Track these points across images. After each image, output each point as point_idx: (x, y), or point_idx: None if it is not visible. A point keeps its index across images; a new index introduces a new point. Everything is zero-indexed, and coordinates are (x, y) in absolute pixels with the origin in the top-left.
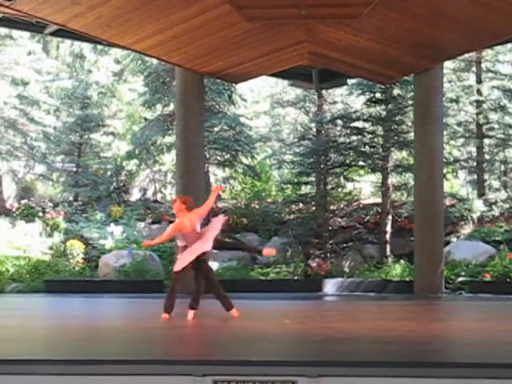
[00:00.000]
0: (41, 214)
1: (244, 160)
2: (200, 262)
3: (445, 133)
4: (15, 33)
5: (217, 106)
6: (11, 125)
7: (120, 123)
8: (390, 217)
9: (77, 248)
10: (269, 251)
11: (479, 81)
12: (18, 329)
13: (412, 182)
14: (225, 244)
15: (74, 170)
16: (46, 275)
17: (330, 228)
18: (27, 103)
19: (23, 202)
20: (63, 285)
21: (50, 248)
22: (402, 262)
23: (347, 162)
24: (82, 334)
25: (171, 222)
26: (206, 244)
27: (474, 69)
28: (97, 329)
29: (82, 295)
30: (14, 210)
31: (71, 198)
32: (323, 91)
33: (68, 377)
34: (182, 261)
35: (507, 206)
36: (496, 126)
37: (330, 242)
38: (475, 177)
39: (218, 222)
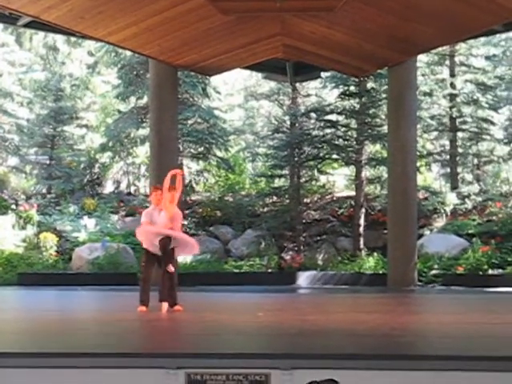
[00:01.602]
0: (14, 206)
1: (218, 153)
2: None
3: (418, 126)
4: None
5: (191, 99)
6: None
7: (93, 115)
8: (363, 210)
9: (50, 241)
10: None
11: (452, 74)
12: None
13: (385, 175)
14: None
15: (48, 162)
16: (19, 268)
17: (304, 221)
18: (0, 95)
19: None
20: (36, 278)
21: (23, 241)
22: (375, 254)
23: (321, 155)
24: (54, 326)
25: None
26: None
27: (447, 62)
28: (70, 322)
29: (56, 288)
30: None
31: (44, 191)
32: (297, 84)
33: (39, 369)
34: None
35: (480, 199)
36: (469, 120)
37: (304, 234)
38: (448, 170)
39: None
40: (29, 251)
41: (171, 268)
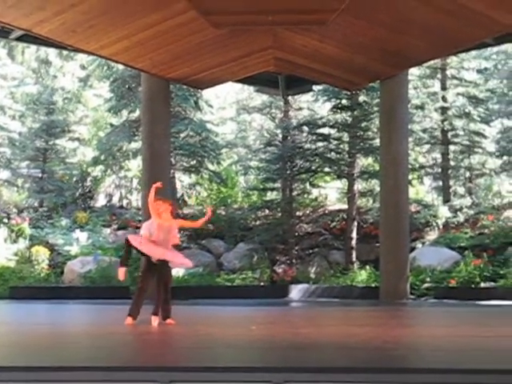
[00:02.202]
0: (5, 220)
1: (210, 166)
2: (164, 265)
3: (410, 139)
4: None
5: (183, 112)
6: None
7: (86, 129)
8: (355, 223)
9: (42, 254)
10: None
11: (444, 88)
12: None
13: (378, 189)
14: None
15: (40, 175)
16: (11, 281)
17: (296, 234)
18: None
19: None
20: (28, 291)
21: (15, 254)
22: (367, 268)
23: (313, 168)
24: (45, 340)
25: (138, 227)
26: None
27: (439, 75)
28: (61, 335)
29: (47, 301)
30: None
31: (36, 204)
32: (289, 97)
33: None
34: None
35: (472, 212)
36: (461, 133)
37: (296, 248)
38: (440, 183)
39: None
40: (21, 265)
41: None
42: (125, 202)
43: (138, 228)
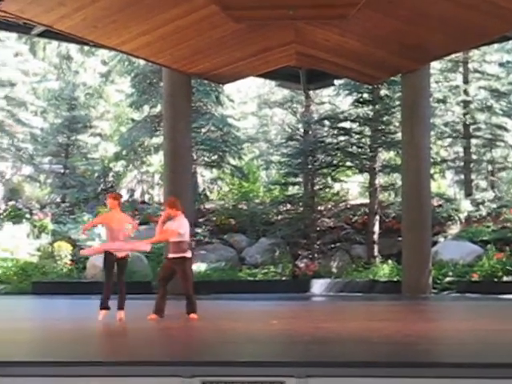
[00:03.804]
0: (28, 215)
1: (231, 161)
2: (179, 263)
3: (432, 133)
4: (2, 34)
5: (204, 107)
6: None
7: (107, 124)
8: (377, 217)
9: (64, 249)
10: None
11: (466, 81)
12: (4, 331)
13: (399, 183)
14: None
15: (62, 171)
16: (34, 277)
17: (318, 228)
18: (14, 104)
19: (10, 203)
20: (51, 286)
21: (38, 249)
22: (389, 262)
23: (335, 162)
24: (69, 335)
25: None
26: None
27: (460, 69)
28: (84, 330)
29: (70, 297)
30: (1, 211)
31: (59, 200)
32: (310, 92)
33: (55, 378)
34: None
35: (494, 205)
36: (483, 126)
37: (318, 242)
38: (462, 177)
39: None
40: (43, 260)
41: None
42: (147, 197)
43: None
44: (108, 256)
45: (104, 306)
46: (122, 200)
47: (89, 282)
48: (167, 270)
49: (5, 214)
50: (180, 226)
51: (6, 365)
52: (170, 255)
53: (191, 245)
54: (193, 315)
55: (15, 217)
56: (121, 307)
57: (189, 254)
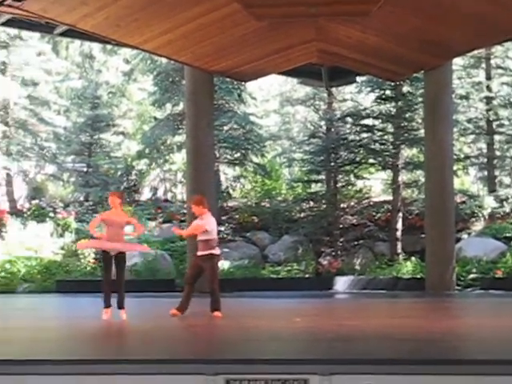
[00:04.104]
0: (52, 214)
1: (254, 158)
2: (207, 260)
3: (455, 129)
4: (25, 34)
5: (226, 105)
6: (22, 125)
7: (130, 123)
8: (400, 214)
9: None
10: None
11: (489, 77)
12: (29, 329)
13: (423, 180)
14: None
15: (85, 170)
16: (58, 275)
17: (341, 226)
18: (37, 104)
19: (34, 202)
20: (74, 285)
21: (62, 248)
22: (413, 259)
23: (357, 159)
24: (93, 333)
25: (182, 221)
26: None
27: (483, 65)
28: (108, 329)
29: (94, 295)
30: (25, 210)
31: (82, 198)
32: (333, 89)
33: (81, 376)
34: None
35: None
36: (506, 123)
37: (341, 239)
38: (486, 173)
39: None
40: (67, 258)
41: None
42: (170, 195)
43: (183, 221)
44: (104, 254)
45: (107, 305)
46: (123, 199)
47: (112, 280)
48: (196, 269)
49: (29, 212)
50: (207, 224)
51: (32, 363)
52: (199, 253)
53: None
54: (217, 313)
55: (39, 215)
56: (121, 307)
57: (217, 251)
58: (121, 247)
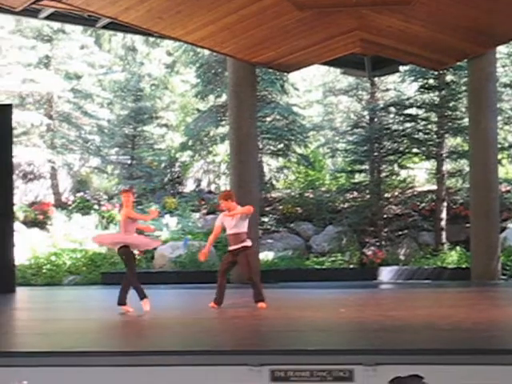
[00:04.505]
0: (96, 206)
1: (297, 149)
2: (241, 253)
3: (499, 118)
4: (68, 27)
5: (269, 96)
6: (66, 118)
7: (173, 115)
8: (445, 204)
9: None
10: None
11: None
12: (76, 321)
13: (467, 169)
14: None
15: (129, 162)
16: (103, 267)
17: (385, 216)
18: (81, 97)
19: (79, 195)
20: (119, 277)
21: None
22: (457, 248)
23: (401, 149)
24: (138, 325)
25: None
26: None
27: None
28: (153, 320)
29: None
30: (69, 203)
31: None
32: (376, 79)
33: (127, 368)
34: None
35: None
36: None
37: (385, 229)
38: None
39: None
40: (111, 251)
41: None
42: (213, 186)
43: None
44: (124, 249)
45: (142, 296)
46: (132, 195)
47: (157, 272)
48: (229, 263)
49: (73, 205)
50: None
51: (80, 355)
52: (231, 248)
53: (249, 234)
54: (261, 304)
55: (83, 208)
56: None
57: (249, 243)
58: (123, 239)
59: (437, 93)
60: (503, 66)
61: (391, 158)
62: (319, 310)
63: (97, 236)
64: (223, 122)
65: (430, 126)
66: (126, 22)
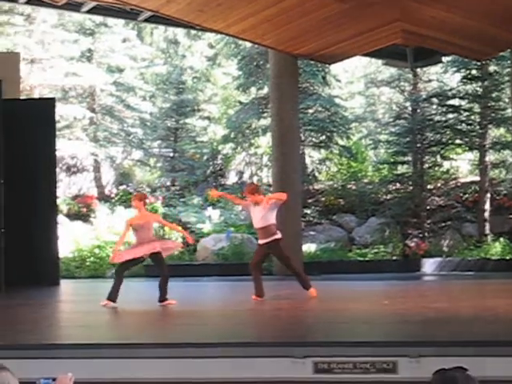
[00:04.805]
0: None
1: (339, 141)
2: (273, 246)
3: None
4: (110, 21)
5: (311, 88)
6: (108, 112)
7: (215, 107)
8: (488, 195)
9: (175, 232)
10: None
11: None
12: (118, 314)
13: (510, 159)
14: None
15: (171, 155)
16: (146, 260)
17: (428, 207)
18: (123, 90)
19: (122, 187)
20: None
21: None
22: (501, 240)
23: (444, 140)
24: (181, 318)
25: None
26: None
27: None
28: (196, 313)
29: (181, 279)
30: (112, 195)
31: (169, 183)
32: (418, 69)
33: (169, 360)
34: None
35: None
36: None
37: (428, 221)
38: None
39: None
40: None
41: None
42: (255, 178)
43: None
44: (138, 260)
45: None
46: (145, 200)
47: (200, 265)
48: (259, 257)
49: (116, 198)
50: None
51: (122, 347)
52: (261, 241)
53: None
54: (312, 290)
55: (126, 201)
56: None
57: (279, 235)
58: (152, 248)
59: (480, 83)
60: None
61: (434, 149)
62: (362, 301)
63: (115, 255)
64: (265, 114)
65: (472, 117)
66: (168, 14)
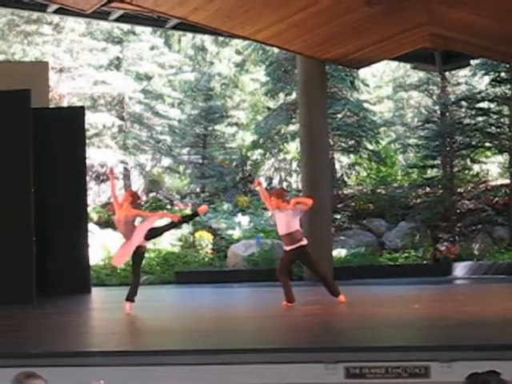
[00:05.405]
0: (169, 206)
1: (368, 145)
2: (299, 253)
3: None
4: (138, 28)
5: (339, 93)
6: (137, 119)
7: (243, 113)
8: None
9: (205, 239)
10: (203, 208)
11: None
12: (152, 320)
13: None
14: (156, 231)
15: (200, 161)
16: (176, 267)
17: (458, 211)
18: (152, 97)
19: (151, 194)
20: (193, 276)
21: (179, 240)
22: None
23: (473, 143)
24: (213, 324)
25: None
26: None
27: None
28: (227, 319)
29: (212, 285)
30: (142, 203)
31: (198, 190)
32: (446, 73)
33: (201, 367)
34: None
35: None
36: None
37: (459, 224)
38: None
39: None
40: (185, 250)
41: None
42: (285, 184)
43: None
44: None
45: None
46: (136, 199)
47: (230, 271)
48: (285, 264)
49: (146, 205)
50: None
51: (155, 354)
52: (287, 248)
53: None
54: (341, 297)
55: (156, 208)
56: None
57: (304, 242)
58: (137, 242)
59: (509, 86)
60: None
61: (463, 152)
62: (393, 306)
63: (115, 258)
64: (294, 120)
65: (502, 120)
66: (195, 22)
